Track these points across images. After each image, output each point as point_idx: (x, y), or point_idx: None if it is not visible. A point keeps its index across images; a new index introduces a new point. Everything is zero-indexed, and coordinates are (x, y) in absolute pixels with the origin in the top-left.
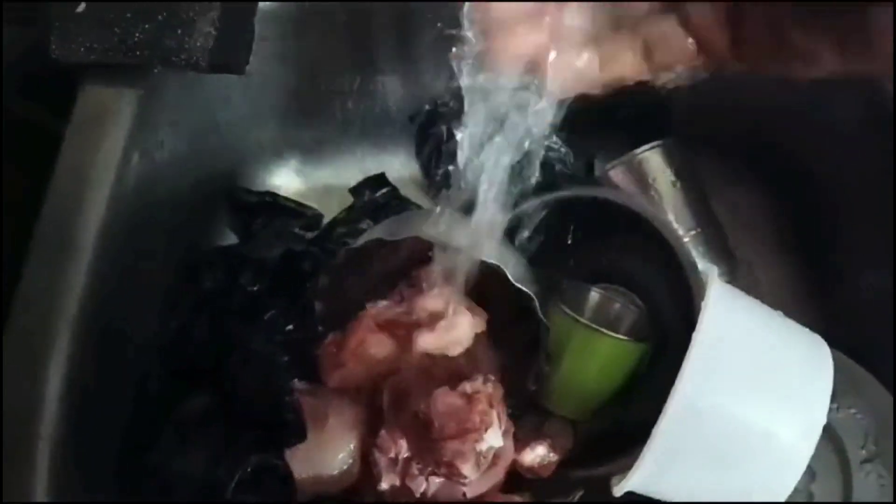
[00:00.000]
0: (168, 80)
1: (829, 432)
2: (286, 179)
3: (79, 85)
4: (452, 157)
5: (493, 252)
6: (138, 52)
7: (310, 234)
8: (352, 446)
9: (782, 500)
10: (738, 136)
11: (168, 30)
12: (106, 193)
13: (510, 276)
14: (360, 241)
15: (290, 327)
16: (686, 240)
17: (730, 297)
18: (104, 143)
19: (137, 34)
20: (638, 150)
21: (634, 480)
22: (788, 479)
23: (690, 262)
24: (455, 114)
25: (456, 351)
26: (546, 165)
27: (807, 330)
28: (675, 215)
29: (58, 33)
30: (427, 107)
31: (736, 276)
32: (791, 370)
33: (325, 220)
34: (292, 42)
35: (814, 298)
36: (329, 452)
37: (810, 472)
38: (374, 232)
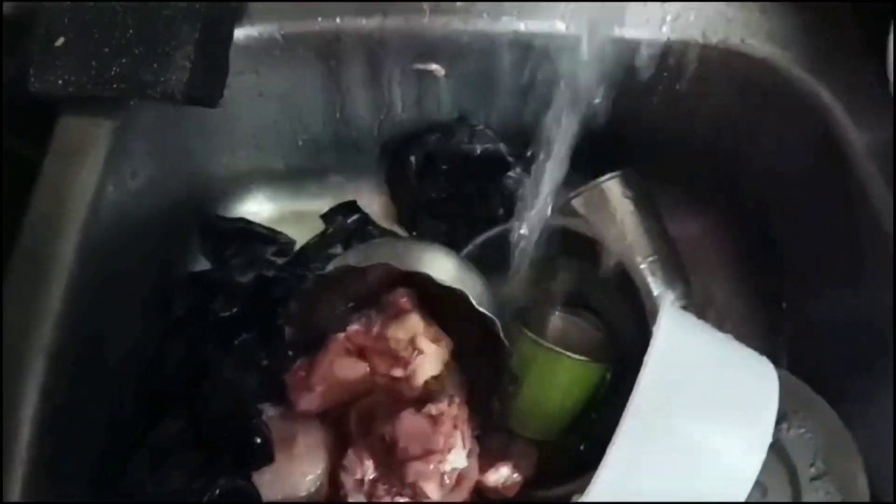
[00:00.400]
0: (144, 111)
1: (779, 451)
2: (259, 206)
3: (57, 116)
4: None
5: (458, 277)
6: (115, 86)
7: (281, 260)
8: (320, 469)
9: None
10: (694, 166)
11: (144, 64)
12: (81, 220)
13: (473, 301)
14: (330, 267)
15: (261, 352)
16: (644, 266)
17: (681, 321)
18: (81, 171)
19: (114, 68)
20: (599, 180)
21: (592, 498)
22: (738, 494)
23: (646, 289)
24: (428, 143)
25: (422, 379)
26: (510, 195)
27: (754, 352)
28: (633, 242)
29: (37, 66)
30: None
31: (691, 302)
32: (739, 390)
33: (297, 247)
34: (266, 74)
35: (766, 323)
36: (297, 475)
37: (762, 489)
38: (344, 258)
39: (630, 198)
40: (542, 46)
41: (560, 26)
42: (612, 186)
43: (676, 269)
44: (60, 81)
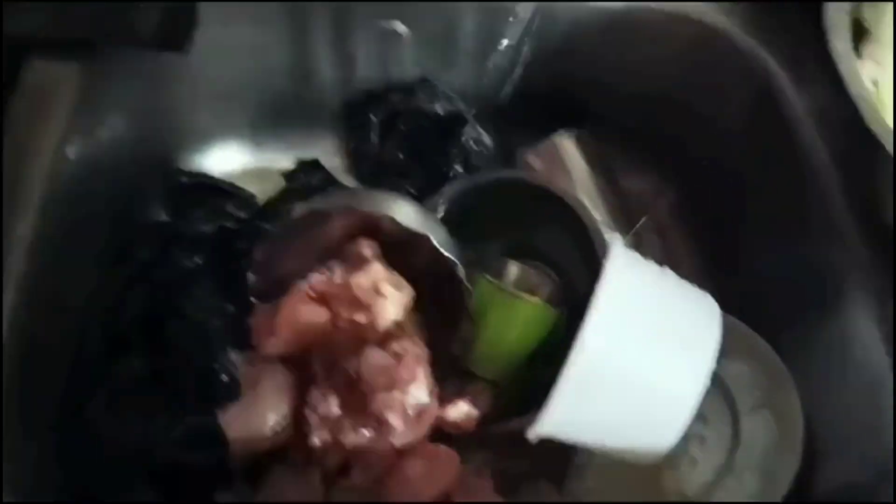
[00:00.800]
0: (112, 59)
1: (720, 385)
2: (222, 162)
3: (25, 58)
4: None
5: (420, 222)
6: (84, 29)
7: (243, 215)
8: (284, 408)
9: (675, 438)
10: (645, 126)
11: (114, 7)
12: (47, 166)
13: (436, 243)
14: (296, 212)
15: (225, 299)
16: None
17: (629, 259)
18: (48, 116)
19: (84, 10)
20: (553, 137)
21: (545, 424)
22: (680, 419)
23: (600, 238)
24: (390, 102)
25: (385, 323)
26: (469, 152)
27: (698, 289)
28: (586, 198)
29: (7, 7)
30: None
31: (643, 255)
32: (682, 322)
33: (259, 203)
34: (232, 28)
35: (715, 276)
36: (261, 415)
37: (703, 419)
38: (309, 203)
39: (583, 155)
40: (503, 8)
41: None
42: (565, 144)
43: (628, 224)
44: (31, 22)
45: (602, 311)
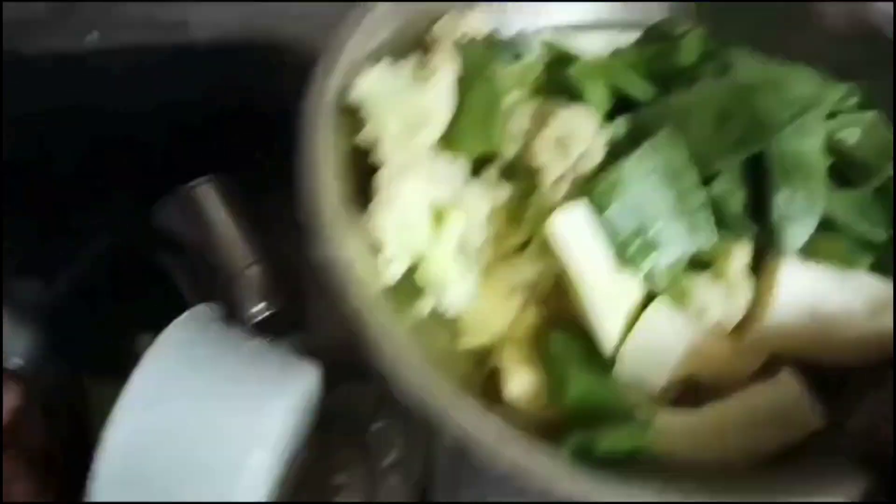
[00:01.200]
0: None
1: (361, 447)
2: None
3: None
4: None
5: None
6: None
7: None
8: None
9: None
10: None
11: None
12: None
13: None
14: None
15: None
16: (247, 273)
17: (181, 339)
18: None
19: None
20: (188, 185)
21: None
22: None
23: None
24: None
25: None
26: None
27: (293, 359)
28: (231, 249)
29: None
30: None
31: (300, 306)
32: (238, 409)
33: None
34: None
35: None
36: None
37: (344, 489)
38: None
39: (223, 203)
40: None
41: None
42: (202, 191)
43: (279, 272)
44: None
45: (130, 408)
